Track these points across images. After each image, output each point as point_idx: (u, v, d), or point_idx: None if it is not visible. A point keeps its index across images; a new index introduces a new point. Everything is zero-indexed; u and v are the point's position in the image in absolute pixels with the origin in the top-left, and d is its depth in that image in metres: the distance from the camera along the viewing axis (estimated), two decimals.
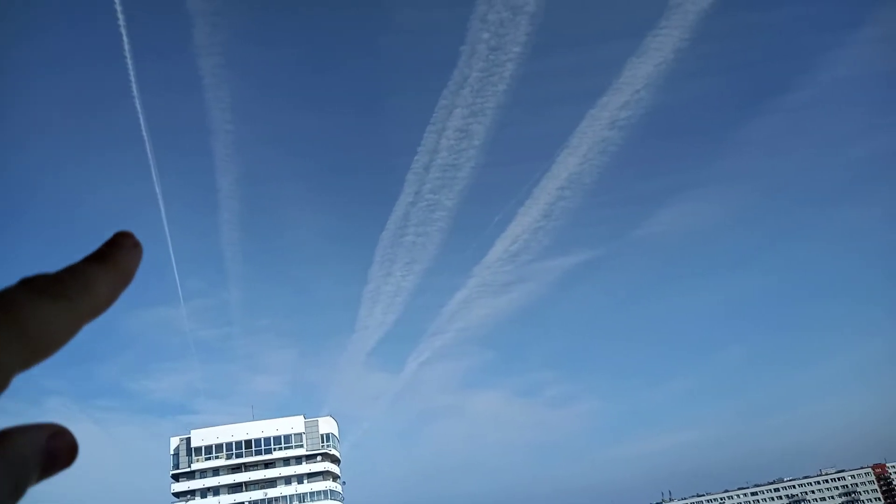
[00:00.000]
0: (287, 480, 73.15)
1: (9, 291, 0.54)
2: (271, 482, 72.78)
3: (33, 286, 0.55)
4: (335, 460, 77.52)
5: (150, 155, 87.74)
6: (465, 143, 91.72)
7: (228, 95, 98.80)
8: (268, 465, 73.32)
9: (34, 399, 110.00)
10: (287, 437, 73.87)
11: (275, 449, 73.43)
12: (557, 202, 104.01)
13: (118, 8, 75.80)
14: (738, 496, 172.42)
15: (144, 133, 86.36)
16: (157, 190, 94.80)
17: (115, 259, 0.61)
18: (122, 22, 76.87)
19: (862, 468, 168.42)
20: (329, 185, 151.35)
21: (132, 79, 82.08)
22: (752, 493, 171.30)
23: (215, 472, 72.84)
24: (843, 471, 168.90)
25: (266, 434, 73.69)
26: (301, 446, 73.98)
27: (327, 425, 76.39)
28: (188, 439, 73.91)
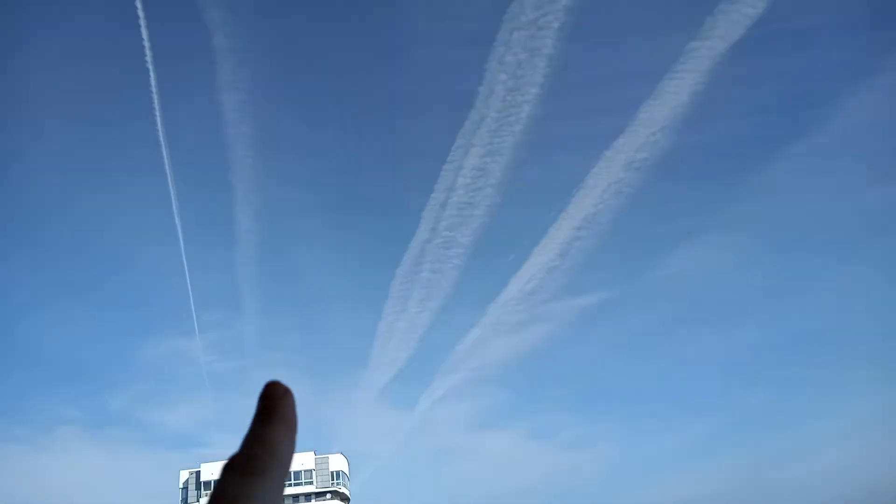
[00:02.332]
0: None
1: (224, 483, 0.59)
2: None
3: (238, 470, 0.60)
4: (345, 498, 76.39)
5: (171, 187, 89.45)
6: (482, 181, 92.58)
7: (251, 130, 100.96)
8: None
9: (47, 428, 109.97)
10: (297, 474, 73.04)
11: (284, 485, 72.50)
12: (573, 242, 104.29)
13: (146, 45, 78.29)
14: None
15: (167, 166, 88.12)
16: (177, 222, 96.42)
17: (285, 416, 0.66)
18: (149, 59, 79.29)
19: None
20: (346, 220, 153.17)
21: (157, 113, 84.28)
22: None
23: None
24: None
25: None
26: (311, 483, 73.09)
27: (338, 462, 75.50)
28: (198, 472, 73.28)
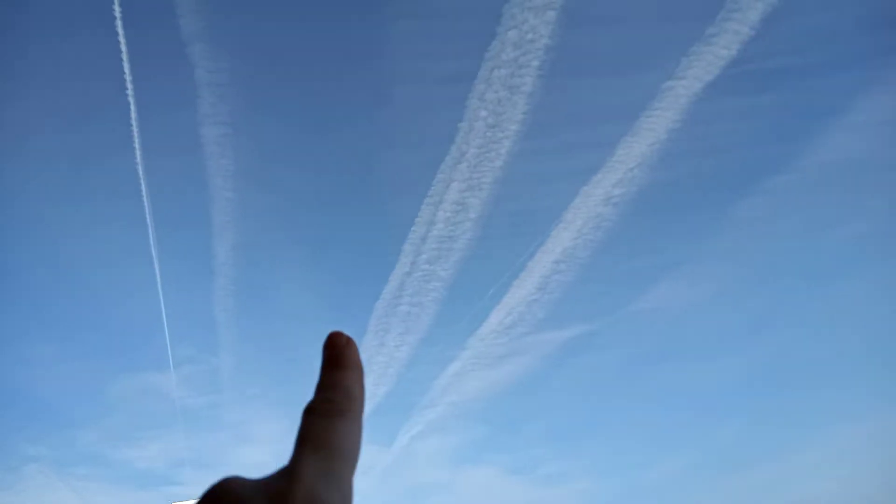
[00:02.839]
0: None
1: (307, 425, 0.64)
2: None
3: (319, 413, 0.65)
4: None
5: (148, 217, 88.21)
6: (462, 215, 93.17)
7: (232, 164, 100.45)
8: None
9: (13, 467, 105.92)
10: None
11: None
12: (552, 275, 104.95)
13: (127, 78, 78.39)
14: None
15: (144, 196, 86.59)
16: (154, 252, 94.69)
17: (354, 362, 0.71)
18: (130, 91, 79.40)
19: None
20: (325, 253, 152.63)
21: (136, 144, 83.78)
22: None
23: None
24: None
25: None
26: None
27: None
28: None
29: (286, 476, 0.57)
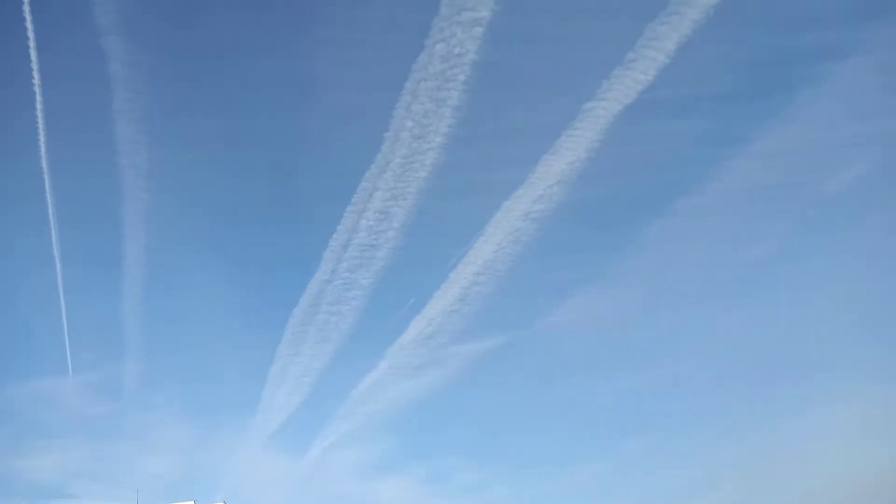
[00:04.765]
0: None
1: None
2: None
3: None
4: None
5: (51, 215, 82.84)
6: (385, 224, 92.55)
7: (146, 162, 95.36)
8: None
9: None
10: None
11: None
12: (472, 287, 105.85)
13: (34, 67, 73.72)
14: None
15: (48, 190, 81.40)
16: (56, 252, 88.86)
17: None
18: (36, 81, 74.69)
19: None
20: (242, 258, 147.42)
21: (41, 135, 78.57)
22: None
23: None
24: None
25: None
26: None
27: None
28: None
29: None
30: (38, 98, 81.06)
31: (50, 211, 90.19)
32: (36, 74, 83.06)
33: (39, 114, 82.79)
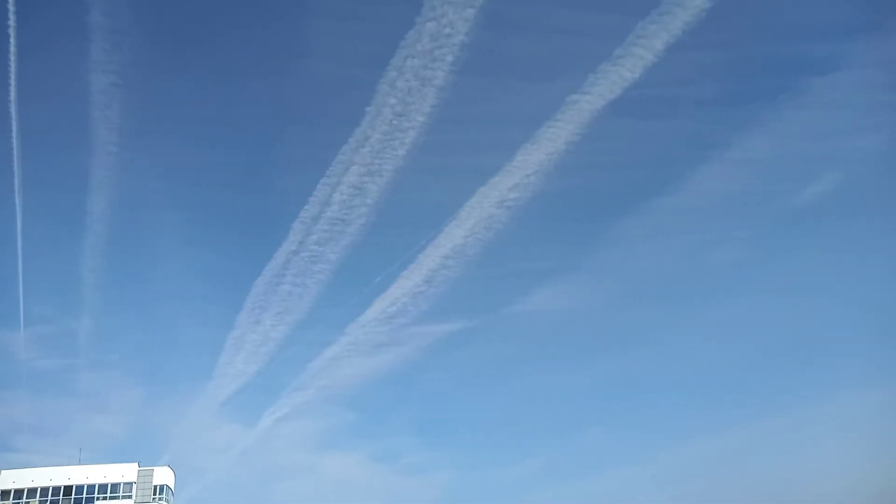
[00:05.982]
0: None
1: None
2: None
3: None
4: None
5: (15, 162, 79.83)
6: (358, 200, 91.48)
7: (118, 116, 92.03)
8: None
9: None
10: (115, 486, 67.38)
11: (98, 498, 66.60)
12: (440, 270, 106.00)
13: (10, 7, 70.43)
14: None
15: (14, 139, 78.35)
16: (17, 202, 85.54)
17: None
18: (12, 22, 71.52)
19: None
20: (210, 221, 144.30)
21: (12, 77, 75.46)
22: None
23: None
24: None
25: (91, 481, 66.71)
26: (129, 497, 67.67)
27: (163, 476, 70.59)
28: None
29: None
30: (13, 42, 77.49)
31: (15, 161, 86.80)
32: (12, 16, 79.39)
33: (13, 57, 79.19)
